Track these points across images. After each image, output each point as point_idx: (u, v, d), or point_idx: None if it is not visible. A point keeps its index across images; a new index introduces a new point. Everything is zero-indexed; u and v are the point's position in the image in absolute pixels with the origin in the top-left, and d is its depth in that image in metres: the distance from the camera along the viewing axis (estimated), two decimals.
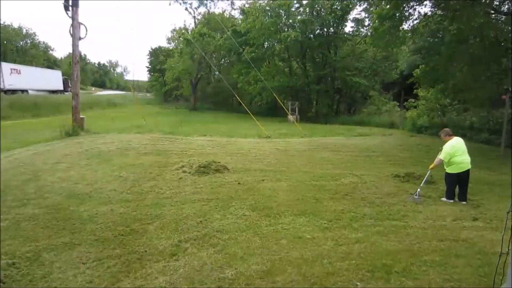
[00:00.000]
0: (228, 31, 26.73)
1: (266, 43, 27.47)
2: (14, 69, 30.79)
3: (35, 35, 62.90)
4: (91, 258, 3.68)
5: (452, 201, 5.96)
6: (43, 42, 67.03)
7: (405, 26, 12.75)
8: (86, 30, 13.26)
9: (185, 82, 37.40)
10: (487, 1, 10.98)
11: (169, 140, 12.33)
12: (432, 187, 6.78)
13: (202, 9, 47.48)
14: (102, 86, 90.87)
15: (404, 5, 11.48)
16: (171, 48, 42.40)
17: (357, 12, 25.43)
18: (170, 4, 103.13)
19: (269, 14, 24.82)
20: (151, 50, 50.27)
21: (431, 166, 6.07)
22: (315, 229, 4.52)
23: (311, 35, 24.91)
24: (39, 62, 64.19)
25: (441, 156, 5.84)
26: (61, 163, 8.15)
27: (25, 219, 4.70)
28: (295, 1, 24.36)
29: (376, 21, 11.88)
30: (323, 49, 24.87)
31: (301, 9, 24.58)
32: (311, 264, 3.58)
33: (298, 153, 10.32)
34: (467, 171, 5.91)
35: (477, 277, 3.43)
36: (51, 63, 72.58)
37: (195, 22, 35.67)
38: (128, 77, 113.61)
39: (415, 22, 12.63)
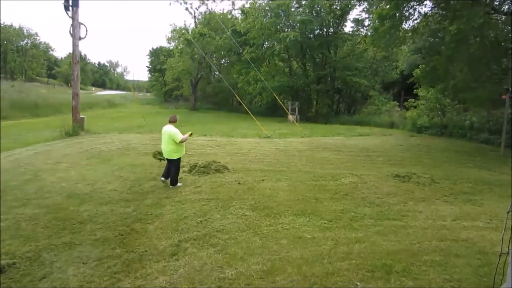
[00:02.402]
0: (228, 31, 26.74)
1: (266, 43, 27.48)
2: None
3: (36, 35, 62.86)
4: (91, 258, 3.68)
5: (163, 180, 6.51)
6: (44, 42, 67.02)
7: (405, 26, 12.75)
8: (86, 30, 13.30)
9: (185, 82, 37.44)
10: (487, 1, 10.97)
11: None
12: (432, 187, 6.78)
13: (203, 9, 47.33)
14: (102, 86, 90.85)
15: (404, 5, 11.47)
16: (171, 48, 42.42)
17: (357, 12, 25.45)
18: (170, 4, 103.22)
19: (269, 14, 24.84)
20: (151, 50, 50.40)
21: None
22: (315, 229, 4.52)
23: (311, 35, 24.90)
24: (40, 62, 64.21)
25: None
26: (61, 163, 8.15)
27: (25, 219, 4.71)
28: (294, 1, 24.37)
29: (376, 21, 11.87)
30: (323, 49, 24.86)
31: (301, 9, 24.58)
32: (311, 264, 3.58)
33: (298, 153, 10.31)
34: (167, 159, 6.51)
35: (477, 277, 3.43)
36: (51, 63, 72.62)
37: (195, 22, 35.66)
38: (128, 77, 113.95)
39: (415, 22, 12.63)
